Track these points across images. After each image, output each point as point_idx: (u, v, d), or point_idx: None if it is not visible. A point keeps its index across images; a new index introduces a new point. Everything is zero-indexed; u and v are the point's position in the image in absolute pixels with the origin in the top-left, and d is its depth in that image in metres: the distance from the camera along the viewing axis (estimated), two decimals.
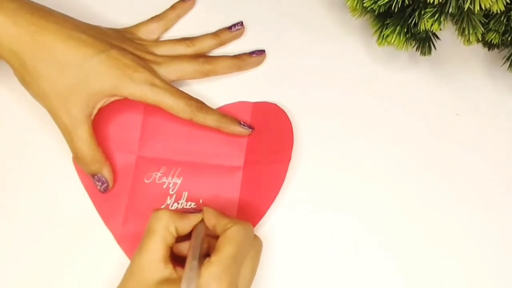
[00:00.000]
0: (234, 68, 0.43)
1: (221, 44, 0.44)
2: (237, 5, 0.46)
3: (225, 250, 0.32)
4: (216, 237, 0.34)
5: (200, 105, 0.40)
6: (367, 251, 0.40)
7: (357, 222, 0.41)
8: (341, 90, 0.44)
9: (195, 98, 0.40)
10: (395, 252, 0.40)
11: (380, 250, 0.40)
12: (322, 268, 0.40)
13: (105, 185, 0.39)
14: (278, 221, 0.41)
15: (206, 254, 0.34)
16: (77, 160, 0.38)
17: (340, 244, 0.40)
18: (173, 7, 0.44)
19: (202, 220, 0.36)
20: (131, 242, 0.39)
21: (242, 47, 0.45)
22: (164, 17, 0.44)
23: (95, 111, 0.38)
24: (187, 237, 0.35)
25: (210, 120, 0.40)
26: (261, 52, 0.44)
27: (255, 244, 0.35)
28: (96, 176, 0.39)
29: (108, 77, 0.37)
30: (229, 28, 0.44)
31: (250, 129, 0.41)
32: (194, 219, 0.36)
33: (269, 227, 0.41)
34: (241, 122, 0.41)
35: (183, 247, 0.36)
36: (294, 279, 0.40)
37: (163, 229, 0.34)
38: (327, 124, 0.43)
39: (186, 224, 0.35)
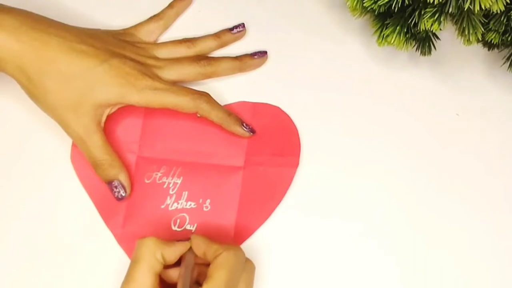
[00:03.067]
0: (236, 70, 0.43)
1: (222, 45, 0.44)
2: (236, 5, 0.46)
3: (217, 277, 0.32)
4: (206, 264, 0.33)
5: (207, 98, 0.40)
6: (368, 254, 0.40)
7: (358, 223, 0.41)
8: (341, 90, 0.44)
9: (202, 92, 0.40)
10: (397, 256, 0.40)
11: (381, 252, 0.40)
12: (322, 270, 0.40)
13: (123, 191, 0.39)
14: (278, 222, 0.41)
15: (196, 282, 0.34)
16: (95, 167, 0.38)
17: (340, 246, 0.40)
18: (170, 5, 0.44)
19: (191, 249, 0.35)
20: (132, 242, 0.39)
21: (242, 48, 0.45)
22: (163, 16, 0.44)
23: (103, 119, 0.39)
24: (175, 265, 0.35)
25: (214, 116, 0.40)
26: (263, 54, 0.44)
27: (247, 268, 0.34)
28: (113, 183, 0.38)
29: (112, 87, 0.37)
30: (231, 29, 0.44)
31: (251, 133, 0.41)
32: (181, 247, 0.35)
33: (269, 228, 0.41)
34: (244, 124, 0.41)
35: (173, 274, 0.35)
36: (294, 280, 0.40)
37: (150, 256, 0.33)
38: (327, 125, 0.43)
39: (173, 253, 0.34)
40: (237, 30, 0.44)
